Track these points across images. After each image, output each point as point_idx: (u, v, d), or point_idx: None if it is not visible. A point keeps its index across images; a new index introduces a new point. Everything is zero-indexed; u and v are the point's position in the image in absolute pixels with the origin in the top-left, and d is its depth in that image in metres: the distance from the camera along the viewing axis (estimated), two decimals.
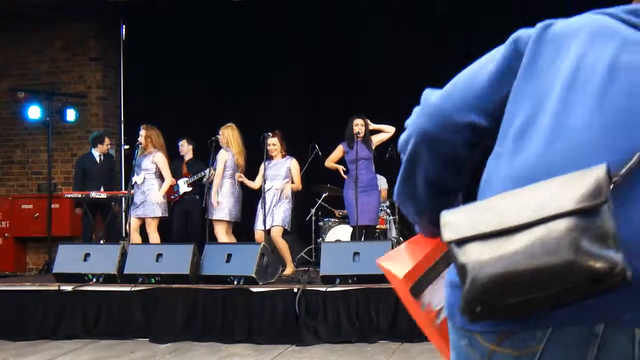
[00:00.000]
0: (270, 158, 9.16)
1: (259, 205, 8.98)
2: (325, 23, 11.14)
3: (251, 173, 9.28)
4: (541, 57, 1.44)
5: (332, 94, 11.10)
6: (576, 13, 1.47)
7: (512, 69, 1.46)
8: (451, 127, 1.48)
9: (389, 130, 9.20)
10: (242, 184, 9.30)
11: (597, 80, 1.35)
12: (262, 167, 9.14)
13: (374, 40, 10.78)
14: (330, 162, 9.38)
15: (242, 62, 11.38)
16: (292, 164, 9.18)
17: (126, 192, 9.56)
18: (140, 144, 9.49)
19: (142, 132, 9.51)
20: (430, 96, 1.53)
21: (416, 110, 1.55)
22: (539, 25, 1.49)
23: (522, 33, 1.50)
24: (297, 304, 7.27)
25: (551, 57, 1.43)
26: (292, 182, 9.15)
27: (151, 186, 9.37)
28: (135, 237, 9.32)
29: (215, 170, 9.20)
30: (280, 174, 9.09)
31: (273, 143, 9.13)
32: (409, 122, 1.56)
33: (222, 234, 9.11)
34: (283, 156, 9.20)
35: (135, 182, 9.41)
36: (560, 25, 1.47)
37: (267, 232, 8.90)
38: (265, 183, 9.01)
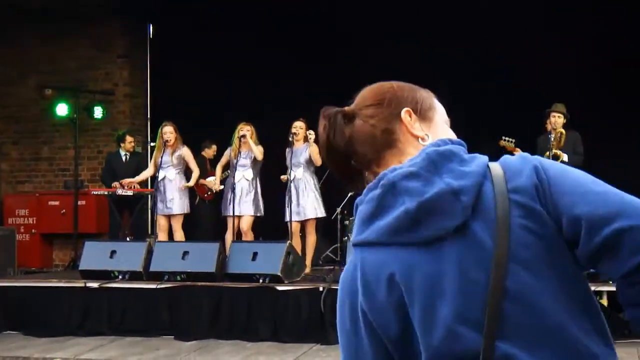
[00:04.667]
0: (292, 145, 9.11)
1: (287, 197, 8.98)
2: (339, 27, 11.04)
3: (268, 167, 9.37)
4: None
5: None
6: None
7: None
8: None
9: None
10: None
11: None
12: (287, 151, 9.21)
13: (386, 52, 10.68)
14: None
15: (268, 61, 11.32)
16: (311, 149, 9.05)
17: (152, 189, 9.50)
18: (168, 140, 9.25)
19: (170, 129, 9.30)
20: None
21: None
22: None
23: None
24: (323, 303, 7.21)
25: None
26: (314, 165, 9.11)
27: (180, 181, 9.36)
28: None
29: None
30: (301, 162, 9.08)
31: (300, 127, 9.10)
32: None
33: (249, 228, 9.17)
34: (303, 143, 9.17)
35: (165, 177, 9.28)
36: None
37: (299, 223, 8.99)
38: (290, 172, 9.03)
